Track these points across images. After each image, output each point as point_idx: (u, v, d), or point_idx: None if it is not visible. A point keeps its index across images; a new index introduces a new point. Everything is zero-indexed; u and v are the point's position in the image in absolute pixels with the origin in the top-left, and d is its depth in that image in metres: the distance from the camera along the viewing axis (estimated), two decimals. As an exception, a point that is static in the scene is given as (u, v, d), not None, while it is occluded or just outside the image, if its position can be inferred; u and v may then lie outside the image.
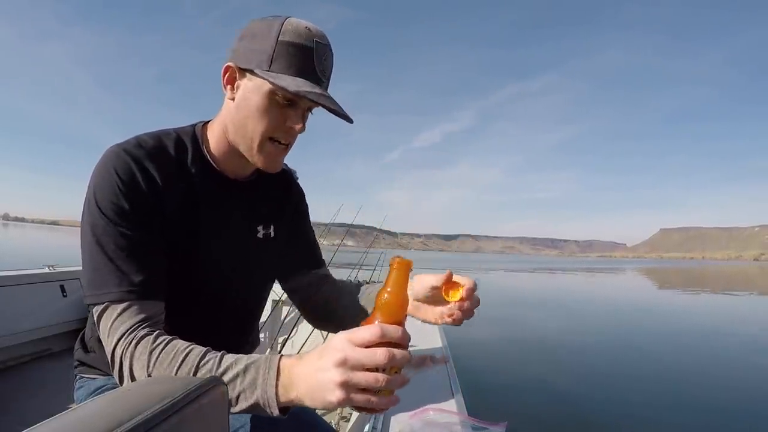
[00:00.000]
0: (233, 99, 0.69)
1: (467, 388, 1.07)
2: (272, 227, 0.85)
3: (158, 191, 0.67)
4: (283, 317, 2.54)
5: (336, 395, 0.48)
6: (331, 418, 1.70)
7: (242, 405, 0.52)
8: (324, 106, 0.66)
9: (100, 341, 0.77)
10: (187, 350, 0.57)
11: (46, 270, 1.78)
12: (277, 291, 2.53)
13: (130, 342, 0.59)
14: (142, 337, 0.59)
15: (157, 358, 0.57)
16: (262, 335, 2.43)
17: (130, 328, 0.61)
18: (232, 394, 0.52)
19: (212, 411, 0.46)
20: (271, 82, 0.63)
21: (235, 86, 0.69)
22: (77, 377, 0.82)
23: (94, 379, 0.80)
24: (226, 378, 0.53)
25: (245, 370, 0.53)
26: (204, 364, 0.55)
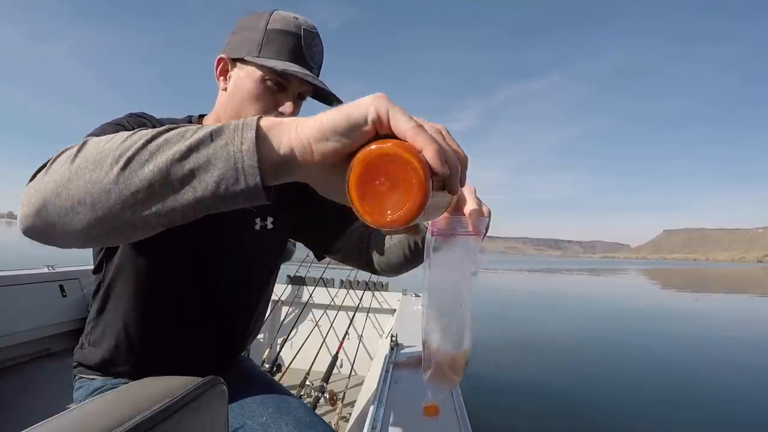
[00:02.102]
0: (226, 89, 0.72)
1: (467, 389, 1.07)
2: (270, 219, 0.84)
3: None
4: (282, 318, 2.54)
5: (375, 101, 0.31)
6: (331, 418, 1.69)
7: (204, 178, 0.33)
8: (312, 86, 0.68)
9: (98, 342, 0.76)
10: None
11: (46, 270, 1.78)
12: (276, 291, 2.52)
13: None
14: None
15: (96, 137, 0.39)
16: (261, 335, 2.42)
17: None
18: (194, 164, 0.33)
19: (212, 410, 0.46)
20: (258, 65, 0.67)
21: (227, 76, 0.72)
22: (76, 377, 0.82)
23: (93, 379, 0.79)
24: (187, 136, 0.34)
25: (218, 130, 0.34)
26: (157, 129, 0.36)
